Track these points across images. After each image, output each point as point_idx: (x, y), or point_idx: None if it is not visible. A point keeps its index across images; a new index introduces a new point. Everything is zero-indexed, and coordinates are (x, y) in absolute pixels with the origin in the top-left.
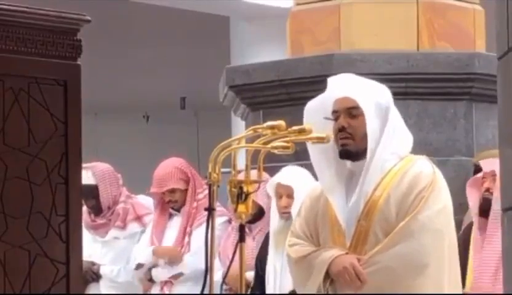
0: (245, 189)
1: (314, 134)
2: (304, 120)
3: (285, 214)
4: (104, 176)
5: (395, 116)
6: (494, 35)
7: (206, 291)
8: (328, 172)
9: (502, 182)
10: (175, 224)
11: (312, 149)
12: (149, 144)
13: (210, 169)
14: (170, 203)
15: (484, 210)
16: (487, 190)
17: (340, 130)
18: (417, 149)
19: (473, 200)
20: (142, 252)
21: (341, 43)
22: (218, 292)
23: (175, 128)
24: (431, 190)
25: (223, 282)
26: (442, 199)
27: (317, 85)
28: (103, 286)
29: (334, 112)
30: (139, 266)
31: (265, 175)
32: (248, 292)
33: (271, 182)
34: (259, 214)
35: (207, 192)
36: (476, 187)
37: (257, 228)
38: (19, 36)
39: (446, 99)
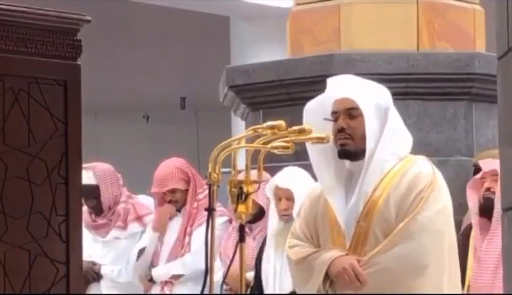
0: (245, 189)
1: (314, 135)
2: (304, 120)
3: (285, 217)
4: (105, 176)
5: (394, 117)
6: (494, 35)
7: (206, 291)
8: (327, 173)
9: (502, 182)
10: (176, 224)
11: (312, 150)
12: (149, 144)
13: (210, 169)
14: (171, 203)
15: (485, 210)
16: (488, 189)
17: (339, 131)
18: (417, 149)
19: (473, 200)
20: (144, 237)
21: (341, 43)
22: (218, 292)
23: (175, 128)
24: (430, 190)
25: (223, 282)
26: (442, 199)
27: (317, 85)
28: (103, 286)
29: (333, 112)
30: (141, 252)
31: (266, 175)
32: (248, 292)
33: (270, 185)
34: (259, 214)
35: (207, 192)
36: (475, 187)
37: (258, 228)
38: (19, 36)
39: (446, 99)
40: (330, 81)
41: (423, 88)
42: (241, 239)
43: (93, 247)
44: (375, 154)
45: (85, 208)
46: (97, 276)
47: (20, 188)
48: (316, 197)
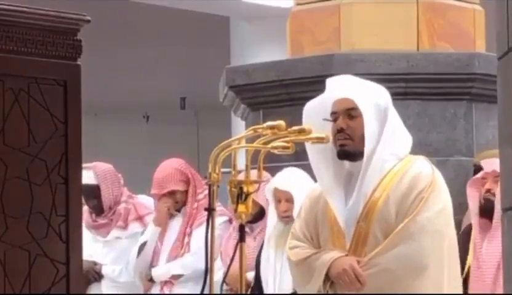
0: (245, 189)
1: (313, 135)
2: (303, 120)
3: (285, 218)
4: (106, 176)
5: (394, 117)
6: (494, 35)
7: (206, 291)
8: (326, 173)
9: (502, 182)
10: (176, 224)
11: (311, 150)
12: (149, 144)
13: (210, 169)
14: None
15: (485, 210)
16: (488, 190)
17: (339, 131)
18: (417, 149)
19: (473, 200)
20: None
21: (341, 43)
22: (218, 292)
23: (175, 128)
24: (430, 190)
25: (223, 282)
26: (442, 199)
27: (317, 85)
28: (104, 286)
29: (333, 113)
30: (142, 247)
31: (266, 174)
32: (248, 293)
33: (269, 187)
34: (260, 214)
35: (207, 192)
36: (476, 187)
37: (258, 228)
38: (19, 36)
39: (446, 99)
40: (329, 81)
41: (423, 88)
42: (241, 239)
43: (94, 247)
44: (375, 154)
45: (85, 208)
46: (98, 276)
47: (20, 188)
48: (316, 197)
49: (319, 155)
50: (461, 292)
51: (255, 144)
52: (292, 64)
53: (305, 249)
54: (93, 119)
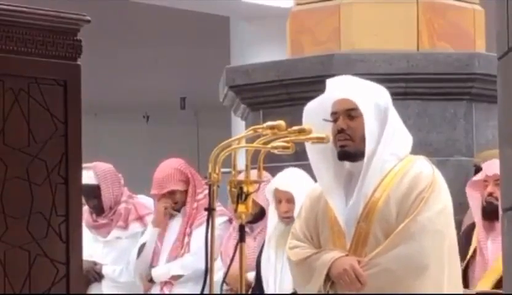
0: (245, 189)
1: (313, 135)
2: (304, 121)
3: (286, 219)
4: (106, 175)
5: (394, 117)
6: (494, 35)
7: (206, 291)
8: (326, 173)
9: (502, 182)
10: (176, 224)
11: (311, 150)
12: (149, 144)
13: (210, 169)
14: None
15: (487, 213)
16: (490, 194)
17: (339, 132)
18: (417, 149)
19: (475, 203)
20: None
21: (341, 43)
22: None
23: (175, 128)
24: (431, 190)
25: (223, 282)
26: (442, 199)
27: (317, 85)
28: (105, 286)
29: (333, 113)
30: (142, 248)
31: (266, 175)
32: (249, 292)
33: (269, 187)
34: (260, 214)
35: (207, 192)
36: (477, 188)
37: (258, 229)
38: (19, 36)
39: (446, 99)
40: (329, 82)
41: (423, 88)
42: (241, 239)
43: (94, 247)
44: (375, 155)
45: (86, 208)
46: (98, 276)
47: (19, 188)
48: (317, 197)
49: (319, 155)
50: (462, 292)
51: (255, 144)
52: (292, 64)
53: (305, 249)
54: (93, 119)
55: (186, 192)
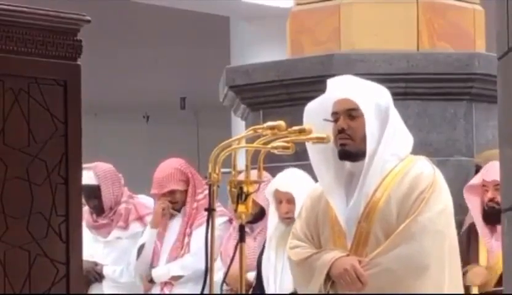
0: (245, 189)
1: (314, 135)
2: (304, 121)
3: (287, 220)
4: (106, 176)
5: (395, 117)
6: (494, 35)
7: (206, 291)
8: (327, 173)
9: (502, 183)
10: (176, 225)
11: (312, 150)
12: (149, 144)
13: (210, 170)
14: (171, 204)
15: (488, 217)
16: (491, 200)
17: (340, 132)
18: (417, 149)
19: (474, 207)
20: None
21: (341, 43)
22: (218, 293)
23: (175, 128)
24: (431, 191)
25: (223, 282)
26: (443, 200)
27: (317, 85)
28: (105, 286)
29: (334, 113)
30: (141, 249)
31: (266, 175)
32: (250, 293)
33: (270, 188)
34: (260, 214)
35: (207, 192)
36: (475, 194)
37: (258, 229)
38: (19, 36)
39: (446, 99)
40: (330, 82)
41: (423, 88)
42: (241, 239)
43: (95, 248)
44: (376, 155)
45: (86, 208)
46: (99, 277)
47: (19, 188)
48: (317, 197)
49: (320, 155)
50: (462, 292)
51: (255, 144)
52: (292, 64)
53: (306, 249)
54: (93, 119)
55: (186, 191)
